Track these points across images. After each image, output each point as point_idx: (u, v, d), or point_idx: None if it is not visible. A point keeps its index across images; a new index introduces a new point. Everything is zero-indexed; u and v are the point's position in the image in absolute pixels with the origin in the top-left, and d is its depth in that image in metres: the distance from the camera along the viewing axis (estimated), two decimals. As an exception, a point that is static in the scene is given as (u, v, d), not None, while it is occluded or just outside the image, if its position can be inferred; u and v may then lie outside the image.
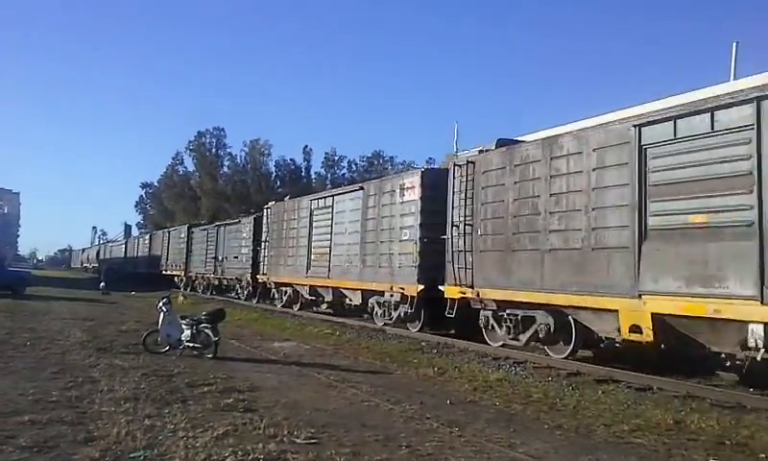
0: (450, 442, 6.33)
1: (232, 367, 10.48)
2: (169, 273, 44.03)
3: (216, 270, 34.56)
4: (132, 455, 5.41)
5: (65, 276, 67.42)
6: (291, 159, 78.61)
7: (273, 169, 78.19)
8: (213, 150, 77.45)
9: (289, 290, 24.75)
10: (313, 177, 79.24)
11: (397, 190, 17.26)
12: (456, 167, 14.54)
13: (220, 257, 33.91)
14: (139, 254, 56.42)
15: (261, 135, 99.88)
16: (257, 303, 28.14)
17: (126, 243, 69.05)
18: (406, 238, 16.47)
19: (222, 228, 34.90)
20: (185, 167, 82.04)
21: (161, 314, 11.65)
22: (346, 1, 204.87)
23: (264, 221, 27.77)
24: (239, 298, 30.76)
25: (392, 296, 17.01)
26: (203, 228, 39.43)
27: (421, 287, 15.62)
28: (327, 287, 21.31)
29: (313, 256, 22.02)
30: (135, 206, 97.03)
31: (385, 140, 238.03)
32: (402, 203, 16.88)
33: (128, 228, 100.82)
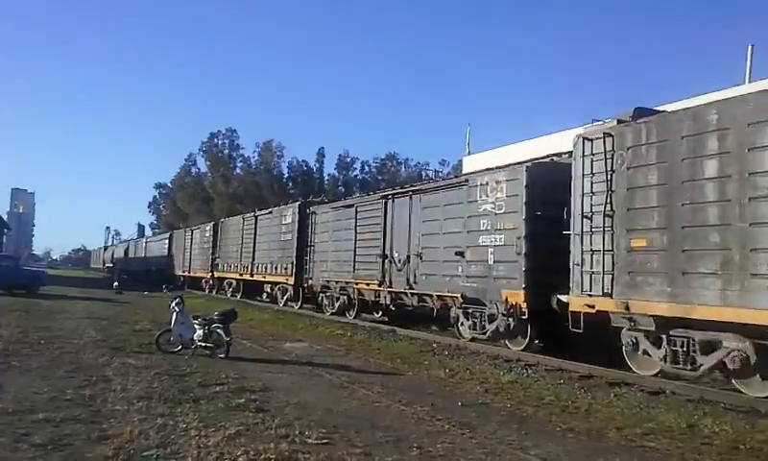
0: (462, 443, 6.32)
1: (244, 367, 10.51)
2: (262, 278, 28.83)
3: (388, 278, 18.18)
4: (144, 454, 5.44)
5: (80, 275, 67.87)
6: (303, 161, 79.03)
7: (285, 171, 78.61)
8: (226, 151, 77.96)
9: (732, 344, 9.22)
10: (326, 178, 79.60)
11: None
12: None
13: (400, 255, 17.62)
14: (194, 251, 41.66)
15: (274, 137, 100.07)
16: (544, 349, 13.56)
17: (170, 238, 51.11)
18: None
19: (400, 200, 18.11)
20: (198, 168, 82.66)
21: (174, 314, 11.73)
22: (359, 4, 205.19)
23: (593, 166, 11.30)
24: (462, 335, 15.35)
25: None
26: (344, 205, 22.23)
27: None
28: None
29: None
30: (149, 207, 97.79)
31: (398, 142, 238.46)
32: None
33: (141, 228, 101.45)
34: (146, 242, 64.93)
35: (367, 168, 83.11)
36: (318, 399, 8.26)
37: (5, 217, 69.56)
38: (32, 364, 9.73)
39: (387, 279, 18.31)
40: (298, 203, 27.19)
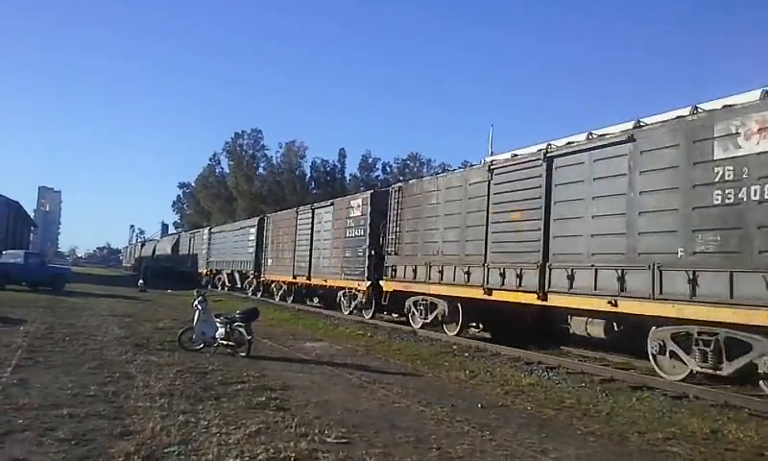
0: (481, 445, 6.29)
1: (265, 365, 10.57)
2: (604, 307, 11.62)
3: None
4: (166, 450, 5.49)
5: (104, 273, 68.73)
6: (326, 161, 79.26)
7: (308, 171, 78.89)
8: (250, 151, 78.40)
9: None
10: (347, 179, 79.72)
11: None
12: None
13: None
14: (321, 245, 25.11)
15: (297, 137, 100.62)
16: None
17: (260, 226, 34.04)
18: None
19: None
20: (222, 168, 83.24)
21: (196, 312, 11.83)
22: (384, 6, 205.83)
23: None
24: None
25: None
26: None
27: None
28: None
29: None
30: (173, 206, 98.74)
31: (420, 142, 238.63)
32: None
33: (165, 227, 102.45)
34: (209, 233, 45.19)
35: (388, 169, 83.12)
36: (338, 398, 8.28)
37: (32, 215, 70.55)
38: (56, 360, 9.86)
39: None
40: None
